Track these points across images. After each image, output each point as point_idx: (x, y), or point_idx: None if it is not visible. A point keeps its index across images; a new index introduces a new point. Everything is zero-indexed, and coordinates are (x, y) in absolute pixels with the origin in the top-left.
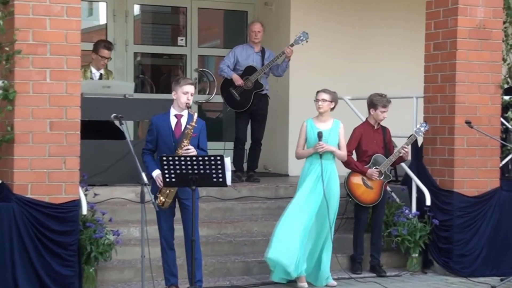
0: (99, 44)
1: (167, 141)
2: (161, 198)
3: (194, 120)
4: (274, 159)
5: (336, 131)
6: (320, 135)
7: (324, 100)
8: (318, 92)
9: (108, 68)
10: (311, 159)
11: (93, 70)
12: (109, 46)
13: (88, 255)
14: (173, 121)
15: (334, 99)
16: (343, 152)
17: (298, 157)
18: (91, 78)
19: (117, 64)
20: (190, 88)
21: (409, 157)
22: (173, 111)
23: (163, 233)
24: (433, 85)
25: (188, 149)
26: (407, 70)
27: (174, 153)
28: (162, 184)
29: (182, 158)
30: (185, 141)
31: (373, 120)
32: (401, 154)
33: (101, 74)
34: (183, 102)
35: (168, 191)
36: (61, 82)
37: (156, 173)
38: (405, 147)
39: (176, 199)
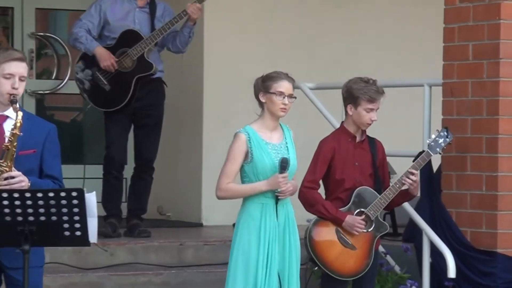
0: None
1: None
2: None
3: (18, 121)
4: (177, 197)
5: (291, 143)
6: (284, 164)
7: (292, 96)
8: (275, 76)
9: None
10: (263, 198)
11: None
12: None
13: None
14: None
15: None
16: (296, 183)
17: (228, 195)
18: None
19: None
20: (17, 67)
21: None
22: None
23: None
24: (460, 63)
25: (12, 177)
26: (410, 38)
27: None
28: None
29: (5, 195)
30: (4, 163)
31: (353, 125)
32: (405, 187)
33: None
34: (5, 93)
35: None
36: None
37: None
38: (413, 173)
39: None
